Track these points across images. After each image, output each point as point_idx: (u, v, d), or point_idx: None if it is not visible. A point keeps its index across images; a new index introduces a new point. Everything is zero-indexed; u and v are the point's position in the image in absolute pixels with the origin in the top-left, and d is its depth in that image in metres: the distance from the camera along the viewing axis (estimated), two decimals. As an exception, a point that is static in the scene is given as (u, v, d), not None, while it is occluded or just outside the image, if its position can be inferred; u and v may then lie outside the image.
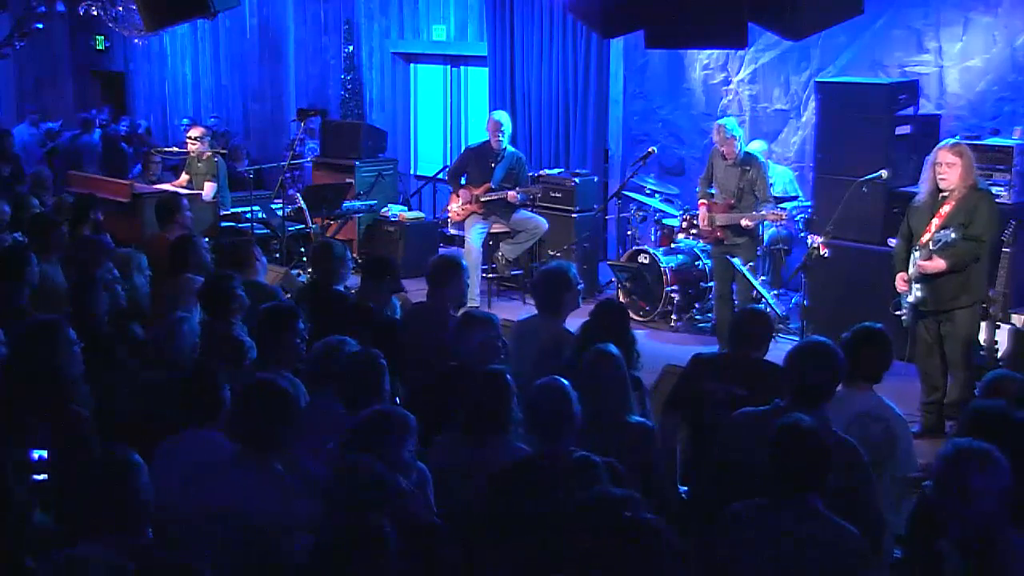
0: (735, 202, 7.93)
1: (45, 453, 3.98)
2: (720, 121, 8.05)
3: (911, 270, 6.27)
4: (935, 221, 6.14)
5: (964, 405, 6.07)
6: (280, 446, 3.73)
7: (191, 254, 6.25)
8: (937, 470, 3.27)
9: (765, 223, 8.33)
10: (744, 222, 7.83)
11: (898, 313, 6.43)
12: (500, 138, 9.22)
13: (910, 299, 6.29)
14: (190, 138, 10.55)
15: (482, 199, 9.23)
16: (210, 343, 4.95)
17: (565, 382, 3.92)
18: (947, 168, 6.13)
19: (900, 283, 6.35)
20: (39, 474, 3.98)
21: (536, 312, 5.57)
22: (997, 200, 7.29)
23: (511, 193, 9.13)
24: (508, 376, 4.11)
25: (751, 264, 8.01)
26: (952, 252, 6.05)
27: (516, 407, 4.05)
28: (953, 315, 6.25)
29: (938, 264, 6.08)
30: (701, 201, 8.17)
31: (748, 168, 7.92)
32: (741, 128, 8.14)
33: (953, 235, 6.02)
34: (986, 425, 3.65)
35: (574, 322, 5.32)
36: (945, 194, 6.17)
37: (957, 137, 6.47)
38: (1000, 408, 3.85)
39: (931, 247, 6.07)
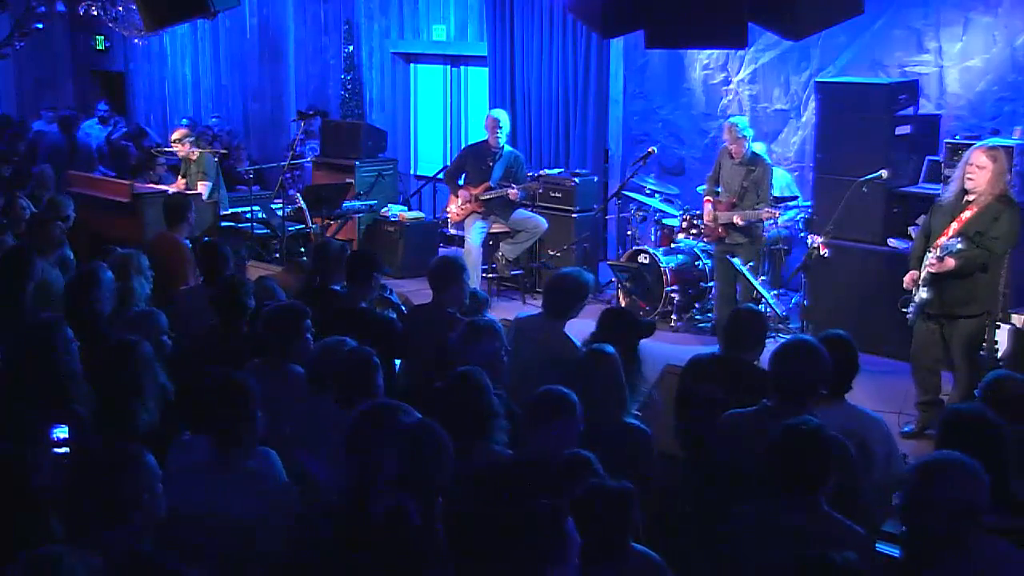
0: (737, 200, 7.96)
1: (66, 431, 3.98)
2: (731, 120, 8.11)
3: (923, 270, 6.20)
4: (954, 225, 6.04)
5: None
6: (242, 443, 3.71)
7: (226, 261, 6.26)
8: (905, 484, 3.28)
9: (766, 223, 8.34)
10: (736, 219, 7.85)
11: (904, 311, 6.40)
12: (498, 135, 9.23)
13: (917, 298, 6.24)
14: (173, 142, 10.54)
15: (482, 198, 9.24)
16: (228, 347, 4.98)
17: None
18: (977, 170, 6.01)
19: (908, 281, 6.28)
20: (60, 447, 3.98)
21: (541, 310, 5.54)
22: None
23: (512, 191, 9.14)
24: (479, 375, 4.09)
25: (750, 264, 8.02)
26: (960, 255, 5.97)
27: (496, 404, 4.05)
28: (957, 322, 6.18)
29: (947, 264, 6.00)
30: (707, 199, 8.20)
31: (754, 168, 7.95)
32: (751, 128, 8.15)
33: (959, 246, 5.94)
34: (961, 430, 3.63)
35: (581, 324, 5.33)
36: (970, 198, 6.05)
37: (994, 141, 6.34)
38: (976, 412, 3.79)
39: (938, 253, 6.00)
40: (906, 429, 6.42)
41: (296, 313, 4.91)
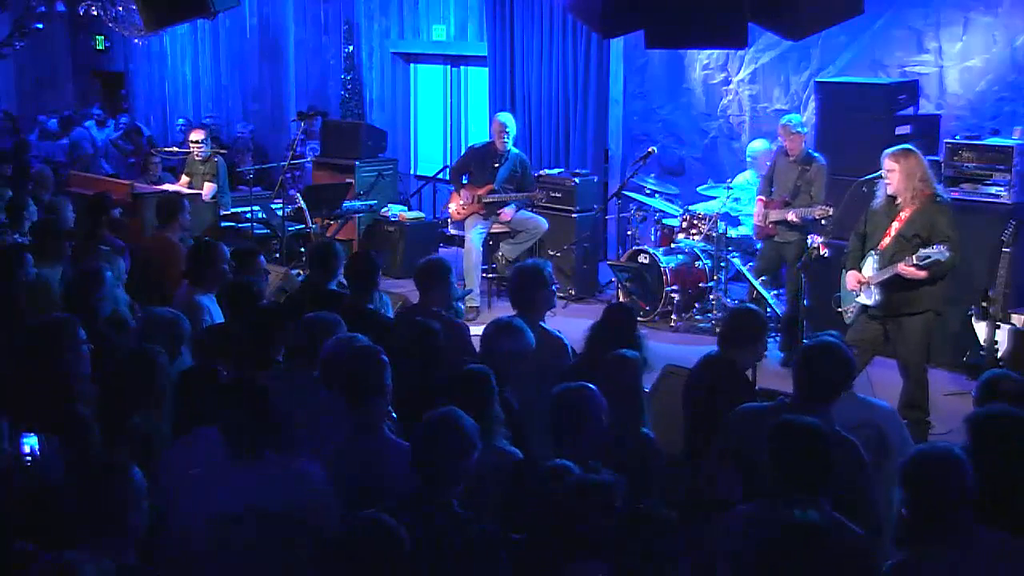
0: (790, 199, 7.94)
1: (35, 441, 3.95)
2: (784, 119, 8.04)
3: (869, 273, 6.22)
4: (895, 225, 6.13)
5: (912, 407, 6.17)
6: (265, 450, 3.68)
7: (223, 259, 6.26)
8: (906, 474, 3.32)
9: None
10: (790, 216, 7.83)
11: (840, 310, 6.43)
12: (505, 139, 9.23)
13: (860, 299, 6.26)
14: (192, 142, 10.60)
15: (484, 200, 9.24)
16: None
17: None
18: (888, 174, 6.16)
19: (852, 282, 6.31)
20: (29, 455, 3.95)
21: (515, 313, 5.53)
22: (996, 200, 7.35)
23: (505, 212, 9.16)
24: (491, 377, 4.09)
25: (746, 269, 8.02)
26: (933, 262, 5.98)
27: (498, 408, 4.05)
28: (900, 320, 6.21)
29: (919, 273, 5.99)
30: (759, 198, 8.18)
31: (808, 167, 7.91)
32: (805, 126, 8.09)
33: (948, 253, 5.91)
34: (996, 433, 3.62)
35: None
36: (899, 200, 6.15)
37: (904, 145, 6.41)
38: (1010, 414, 3.72)
39: (917, 261, 5.95)
40: None
41: (273, 315, 4.92)
